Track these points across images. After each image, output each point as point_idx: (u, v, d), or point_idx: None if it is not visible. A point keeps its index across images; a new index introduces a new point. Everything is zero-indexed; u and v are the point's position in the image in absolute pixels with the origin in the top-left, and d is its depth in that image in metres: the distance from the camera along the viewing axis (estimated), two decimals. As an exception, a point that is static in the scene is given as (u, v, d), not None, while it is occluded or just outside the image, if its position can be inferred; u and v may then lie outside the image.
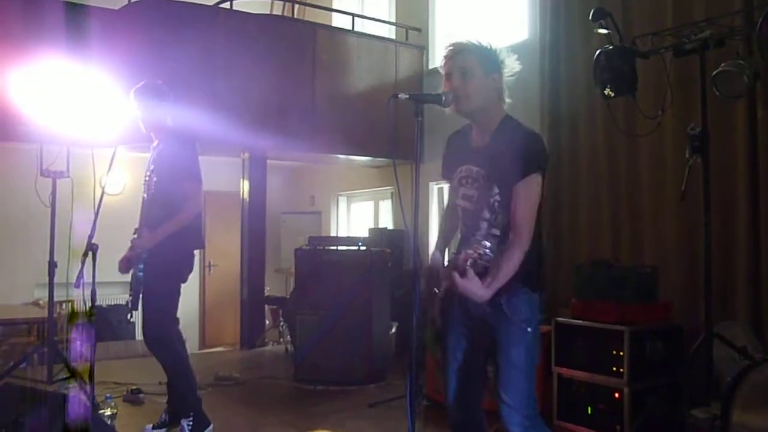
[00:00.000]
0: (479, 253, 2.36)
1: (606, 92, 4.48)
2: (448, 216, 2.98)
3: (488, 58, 2.65)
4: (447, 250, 3.02)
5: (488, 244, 2.41)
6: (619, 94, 4.48)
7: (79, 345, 4.86)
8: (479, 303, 2.47)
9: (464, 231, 2.76)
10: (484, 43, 2.67)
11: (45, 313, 5.86)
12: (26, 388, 3.72)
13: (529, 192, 2.55)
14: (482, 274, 2.43)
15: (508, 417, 2.61)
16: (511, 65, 2.69)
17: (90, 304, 3.69)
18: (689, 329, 4.40)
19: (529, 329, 2.61)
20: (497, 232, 2.63)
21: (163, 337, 4.20)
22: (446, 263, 2.74)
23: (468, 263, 2.34)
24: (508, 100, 2.72)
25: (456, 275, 2.35)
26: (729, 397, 3.29)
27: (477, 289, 2.38)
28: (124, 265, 4.27)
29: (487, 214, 2.65)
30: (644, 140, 5.16)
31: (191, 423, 4.17)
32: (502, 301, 2.56)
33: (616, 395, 4.09)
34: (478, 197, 2.68)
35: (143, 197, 4.37)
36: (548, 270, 5.54)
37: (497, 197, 2.61)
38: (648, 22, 5.19)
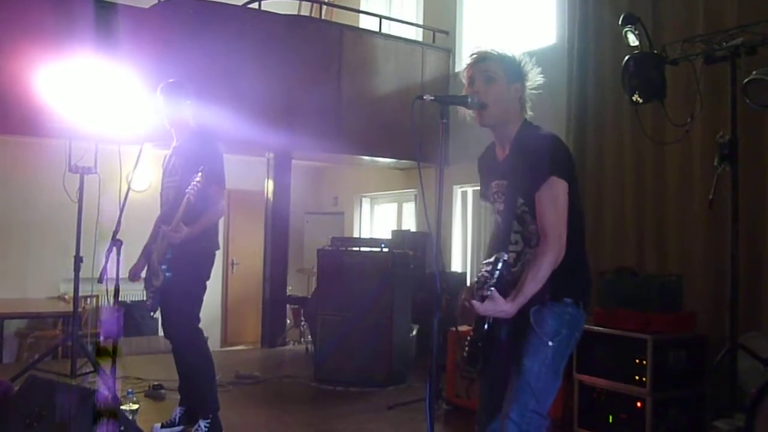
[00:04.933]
0: (485, 276, 2.35)
1: (634, 98, 4.44)
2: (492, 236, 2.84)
3: (511, 68, 2.61)
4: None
5: (506, 256, 2.37)
6: (648, 100, 4.44)
7: (102, 340, 4.91)
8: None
9: (498, 246, 2.61)
10: (508, 53, 2.63)
11: (70, 308, 5.93)
12: (51, 381, 3.75)
13: (551, 197, 2.45)
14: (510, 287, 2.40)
15: (506, 428, 2.46)
16: (534, 78, 2.64)
17: (114, 300, 3.72)
18: (713, 339, 4.35)
19: (550, 343, 2.50)
20: (533, 242, 2.54)
21: (192, 335, 4.23)
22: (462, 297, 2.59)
23: (481, 291, 2.32)
24: (530, 113, 2.66)
25: (476, 304, 2.32)
26: (753, 408, 3.25)
27: (500, 306, 2.34)
28: (136, 272, 4.30)
29: (518, 227, 2.59)
30: (672, 147, 5.10)
31: (209, 424, 4.16)
32: (532, 310, 2.49)
33: (638, 404, 4.05)
34: (506, 211, 2.61)
35: (166, 199, 4.32)
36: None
37: (525, 207, 2.54)
38: (678, 29, 5.13)
